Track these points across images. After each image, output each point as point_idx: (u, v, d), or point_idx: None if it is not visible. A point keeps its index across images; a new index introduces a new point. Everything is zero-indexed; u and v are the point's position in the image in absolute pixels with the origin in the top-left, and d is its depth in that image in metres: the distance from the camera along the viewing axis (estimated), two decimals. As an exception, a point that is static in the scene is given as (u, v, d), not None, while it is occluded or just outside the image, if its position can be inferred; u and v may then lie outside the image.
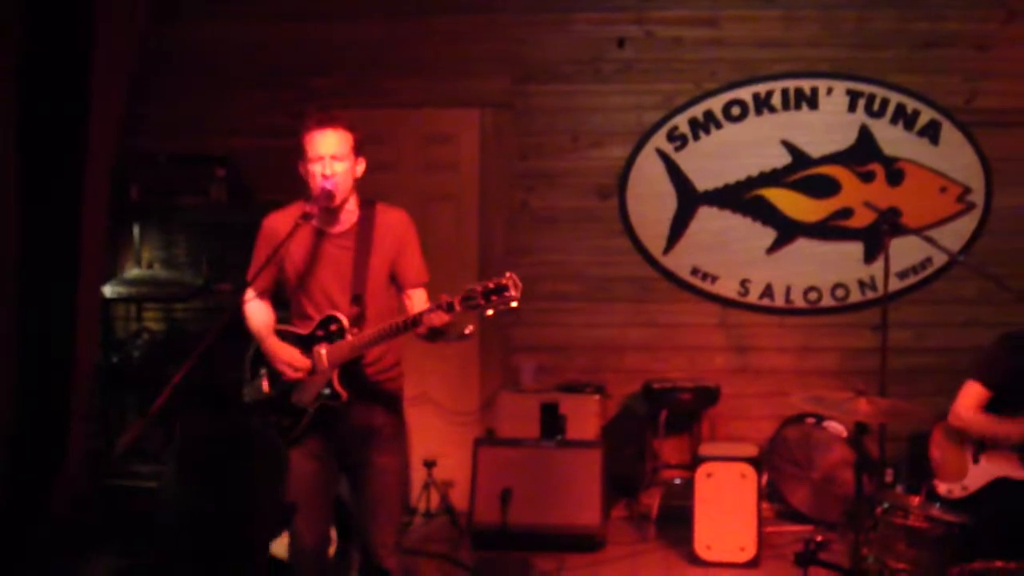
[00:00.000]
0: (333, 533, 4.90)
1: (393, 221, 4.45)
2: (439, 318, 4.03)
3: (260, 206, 4.61)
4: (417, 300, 4.43)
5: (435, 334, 4.19)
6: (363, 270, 4.33)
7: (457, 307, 3.98)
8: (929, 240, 5.90)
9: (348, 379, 4.28)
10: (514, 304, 3.93)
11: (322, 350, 4.26)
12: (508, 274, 3.94)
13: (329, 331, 4.28)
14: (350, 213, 4.39)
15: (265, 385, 4.43)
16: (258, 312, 4.47)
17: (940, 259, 7.21)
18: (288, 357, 4.31)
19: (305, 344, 4.32)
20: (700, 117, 7.34)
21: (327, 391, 4.27)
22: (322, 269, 4.35)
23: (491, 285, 3.92)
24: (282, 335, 4.39)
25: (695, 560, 6.30)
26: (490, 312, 3.94)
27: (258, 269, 4.35)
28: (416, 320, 4.08)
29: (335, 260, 4.35)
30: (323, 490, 4.46)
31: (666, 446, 7.25)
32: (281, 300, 4.57)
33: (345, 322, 4.25)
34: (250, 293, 4.44)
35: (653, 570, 6.33)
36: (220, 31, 7.38)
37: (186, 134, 7.22)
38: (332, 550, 5.02)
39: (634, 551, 6.59)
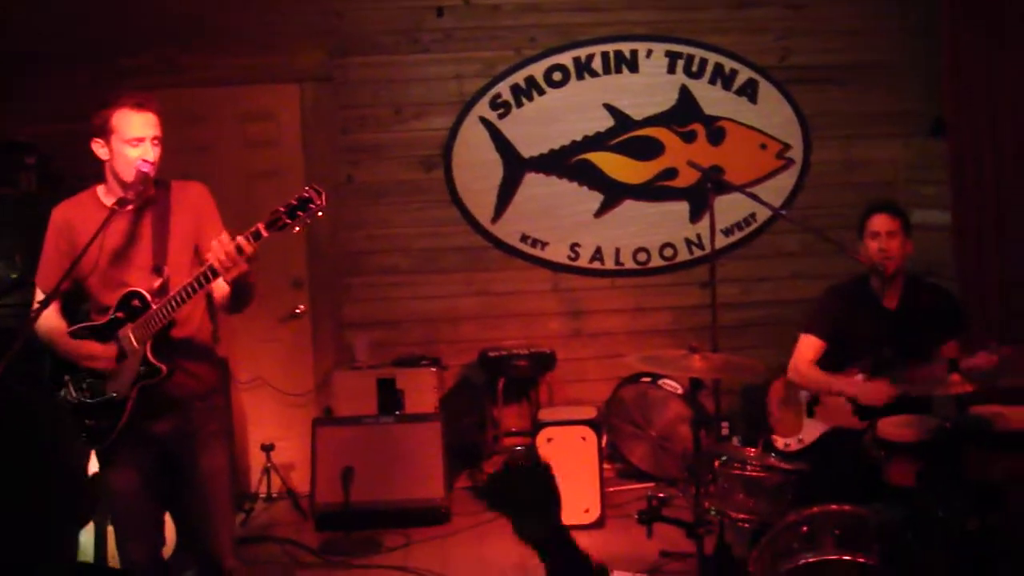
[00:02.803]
0: (170, 534, 4.72)
1: (190, 193, 4.26)
2: (248, 247, 3.82)
3: (74, 194, 4.39)
4: None
5: (242, 285, 3.98)
6: (163, 243, 4.12)
7: (264, 231, 3.79)
8: (752, 196, 5.99)
9: (162, 351, 4.06)
10: (320, 214, 3.79)
11: (128, 330, 4.05)
12: (308, 186, 3.80)
13: (131, 308, 4.04)
14: (142, 193, 4.15)
15: (72, 392, 4.17)
16: (48, 317, 4.14)
17: (763, 215, 7.38)
18: (88, 350, 4.08)
19: (107, 332, 4.08)
20: (522, 84, 7.33)
21: (143, 369, 4.04)
22: (119, 251, 4.12)
23: (293, 201, 3.77)
24: (78, 335, 4.14)
25: (540, 525, 6.31)
26: (297, 228, 3.79)
27: (56, 265, 4.12)
28: (212, 269, 3.84)
29: (132, 238, 4.13)
30: (149, 501, 4.25)
31: (506, 414, 7.26)
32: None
33: (147, 295, 4.03)
34: (40, 294, 4.19)
35: (501, 538, 6.30)
36: (19, 6, 7.01)
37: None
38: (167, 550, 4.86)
39: (480, 520, 6.56)
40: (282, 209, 3.79)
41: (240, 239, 3.82)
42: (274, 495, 7.14)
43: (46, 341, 4.18)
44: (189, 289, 3.93)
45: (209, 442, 4.26)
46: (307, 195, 3.79)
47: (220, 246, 3.82)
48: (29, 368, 4.19)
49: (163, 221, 4.16)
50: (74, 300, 4.25)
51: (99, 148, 4.07)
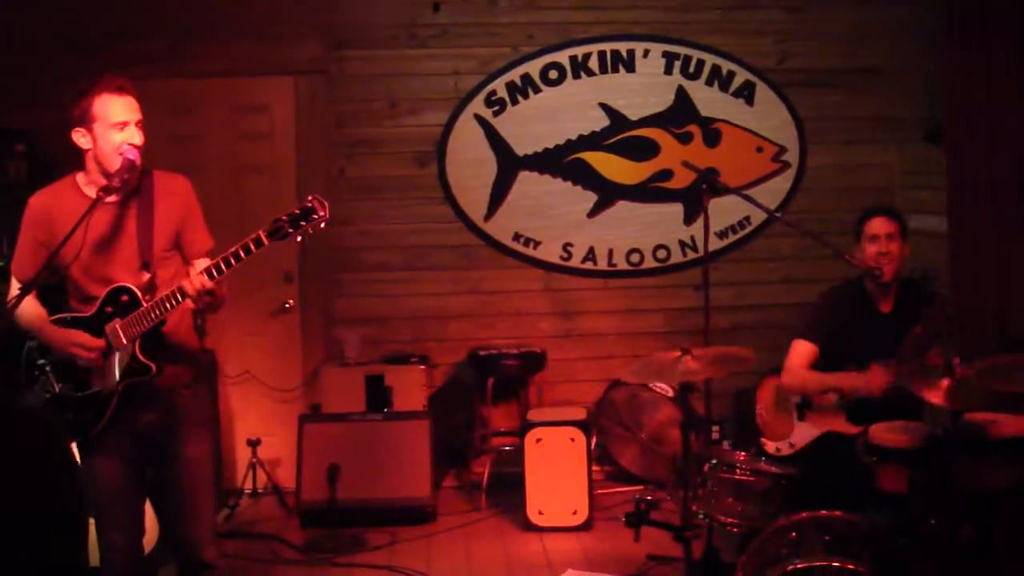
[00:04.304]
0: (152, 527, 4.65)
1: (175, 186, 4.21)
2: (203, 284, 3.81)
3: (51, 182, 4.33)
4: (201, 268, 4.19)
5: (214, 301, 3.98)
6: (148, 237, 4.07)
7: (265, 239, 3.79)
8: (747, 198, 5.94)
9: (152, 349, 4.03)
10: (323, 225, 3.80)
11: (116, 326, 3.99)
12: (311, 196, 3.80)
13: (120, 303, 4.00)
14: (127, 181, 4.08)
15: (53, 383, 4.10)
16: (27, 305, 4.06)
17: (758, 218, 7.34)
18: (77, 339, 4.00)
19: (93, 326, 4.01)
20: (518, 81, 7.28)
21: (133, 367, 4.00)
22: (103, 242, 4.05)
23: (296, 211, 3.77)
24: (61, 324, 4.08)
25: (528, 526, 6.30)
26: (300, 238, 3.80)
27: (31, 254, 4.07)
28: (237, 255, 3.82)
29: (116, 229, 4.06)
30: (132, 490, 4.19)
31: (494, 413, 7.20)
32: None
33: (138, 292, 3.99)
34: (15, 283, 4.13)
35: (486, 538, 6.29)
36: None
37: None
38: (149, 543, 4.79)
39: (467, 520, 6.56)
40: (284, 218, 3.79)
41: (204, 280, 3.83)
42: (259, 491, 7.09)
43: (29, 329, 4.12)
44: (173, 300, 3.90)
45: (193, 431, 4.22)
46: (310, 204, 3.79)
47: (194, 282, 3.83)
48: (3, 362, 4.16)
49: (148, 214, 4.10)
50: (53, 289, 4.19)
51: (80, 137, 4.00)
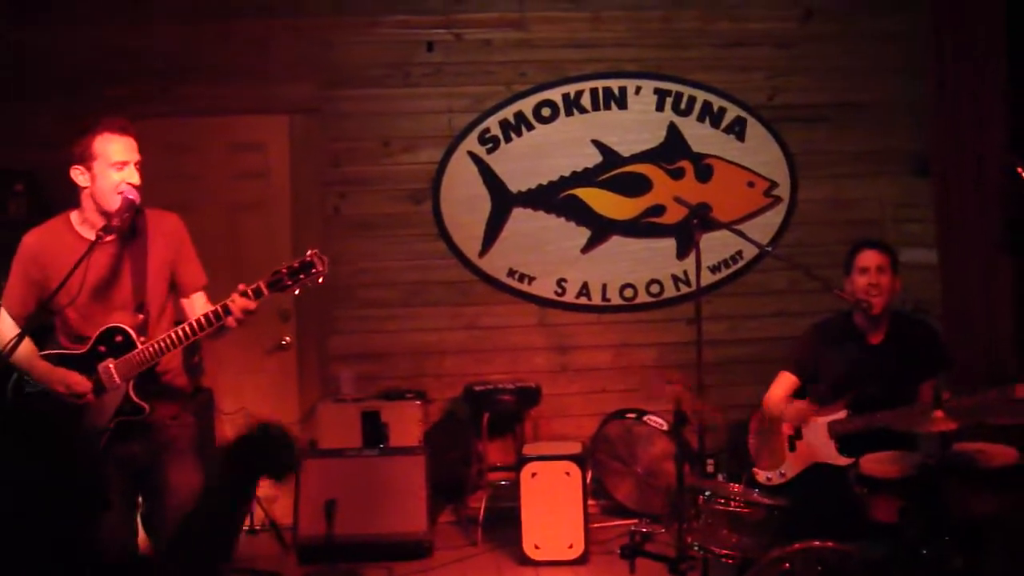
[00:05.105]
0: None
1: (167, 225, 4.28)
2: (246, 305, 3.90)
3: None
4: (198, 304, 4.27)
5: (222, 328, 4.05)
6: (142, 277, 4.13)
7: (264, 291, 3.87)
8: (739, 233, 5.99)
9: (145, 390, 4.08)
10: (321, 280, 3.91)
11: (110, 365, 4.04)
12: (310, 251, 3.90)
13: (114, 343, 4.05)
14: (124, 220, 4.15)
15: None
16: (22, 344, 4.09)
17: (750, 252, 7.38)
18: (68, 379, 4.04)
19: (86, 364, 4.06)
20: (511, 119, 7.35)
21: (126, 407, 4.04)
22: (98, 281, 4.10)
23: (296, 264, 3.88)
24: (52, 360, 4.12)
25: (524, 560, 6.30)
26: (298, 291, 3.93)
27: (23, 292, 4.13)
28: (226, 309, 3.91)
29: (111, 270, 4.12)
30: (123, 514, 4.22)
31: (490, 448, 7.22)
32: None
33: (132, 332, 4.04)
34: (9, 321, 4.17)
35: (483, 573, 6.29)
36: (12, 37, 7.03)
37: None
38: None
39: (463, 555, 6.56)
40: (284, 271, 3.91)
41: (246, 302, 3.94)
42: (256, 527, 7.07)
43: (21, 367, 4.16)
44: (190, 333, 3.94)
45: (179, 459, 4.25)
46: (310, 259, 3.92)
47: (242, 304, 3.94)
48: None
49: (142, 254, 4.16)
50: (42, 325, 4.23)
51: (79, 175, 4.06)
